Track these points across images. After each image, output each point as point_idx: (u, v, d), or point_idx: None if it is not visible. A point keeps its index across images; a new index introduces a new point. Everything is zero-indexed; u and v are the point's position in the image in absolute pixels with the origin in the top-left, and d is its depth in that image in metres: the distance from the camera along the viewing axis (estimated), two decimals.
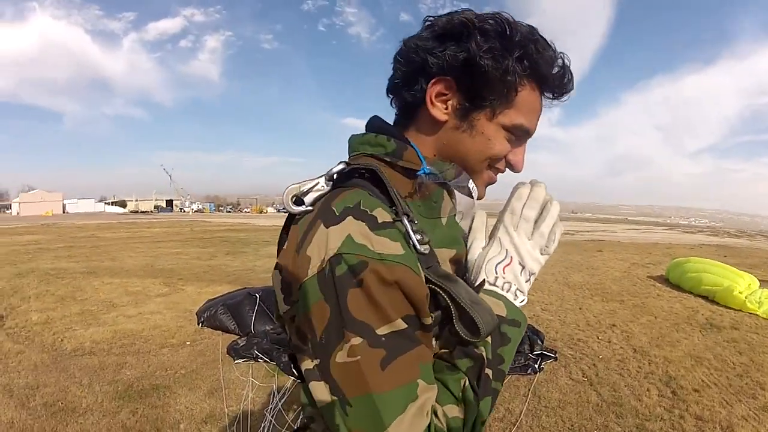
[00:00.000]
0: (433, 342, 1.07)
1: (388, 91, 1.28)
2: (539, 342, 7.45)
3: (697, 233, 53.80)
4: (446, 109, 1.18)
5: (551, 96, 1.23)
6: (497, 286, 1.17)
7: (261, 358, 6.89)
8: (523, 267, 1.19)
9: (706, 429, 5.18)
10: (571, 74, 1.22)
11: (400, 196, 1.09)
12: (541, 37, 1.16)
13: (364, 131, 1.29)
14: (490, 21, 1.12)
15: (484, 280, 1.18)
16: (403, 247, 0.97)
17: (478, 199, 1.31)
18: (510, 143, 1.22)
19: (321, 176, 1.10)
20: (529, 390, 6.13)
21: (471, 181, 1.26)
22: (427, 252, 1.03)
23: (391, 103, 1.30)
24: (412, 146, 1.20)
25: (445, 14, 1.17)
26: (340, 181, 1.11)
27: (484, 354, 1.04)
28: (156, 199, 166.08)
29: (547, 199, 1.22)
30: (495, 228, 1.25)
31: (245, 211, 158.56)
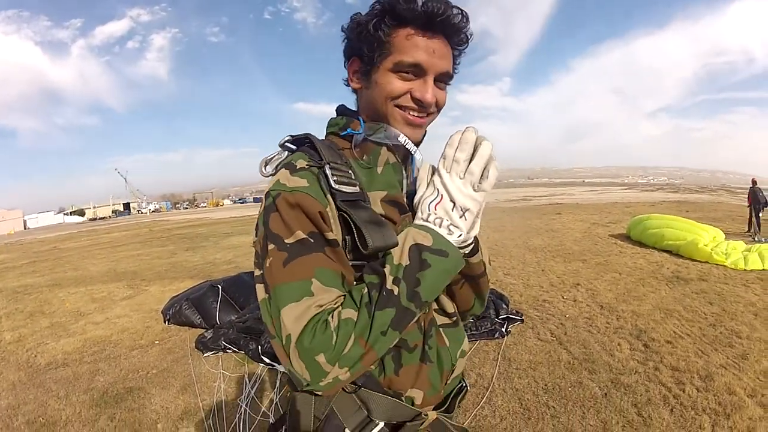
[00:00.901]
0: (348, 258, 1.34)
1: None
2: (504, 306, 7.32)
3: (657, 191, 54.90)
4: (358, 79, 1.49)
5: (422, 24, 1.35)
6: (429, 222, 1.33)
7: (229, 349, 6.78)
8: (454, 203, 1.32)
9: (683, 379, 5.05)
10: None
11: (341, 154, 1.43)
12: None
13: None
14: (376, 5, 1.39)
15: (415, 216, 1.39)
16: (308, 182, 1.29)
17: (415, 144, 1.48)
18: (407, 81, 1.39)
19: (278, 145, 1.48)
20: (498, 354, 5.96)
21: (401, 135, 1.44)
22: (350, 190, 1.33)
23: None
24: (357, 119, 1.49)
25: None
26: (296, 149, 1.46)
27: (387, 272, 1.25)
28: (113, 204, 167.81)
29: (478, 141, 1.32)
30: (432, 173, 1.42)
31: (202, 206, 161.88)
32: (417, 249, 1.27)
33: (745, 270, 10.18)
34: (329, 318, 1.20)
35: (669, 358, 5.57)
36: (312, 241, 1.26)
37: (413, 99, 1.40)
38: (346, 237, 1.34)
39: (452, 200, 1.32)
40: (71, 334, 8.60)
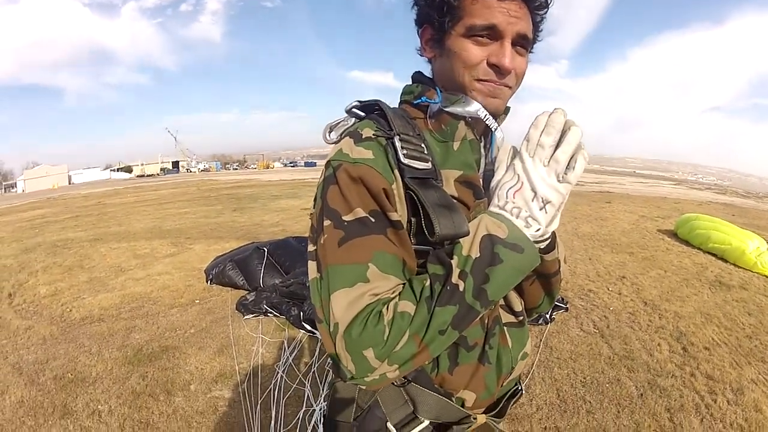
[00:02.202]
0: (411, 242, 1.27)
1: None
2: None
3: (705, 190, 53.59)
4: (431, 48, 1.42)
5: None
6: (505, 210, 1.22)
7: (270, 313, 6.81)
8: (535, 193, 1.20)
9: (716, 389, 5.07)
10: None
11: (414, 125, 1.36)
12: None
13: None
14: None
15: (491, 202, 1.28)
16: (374, 154, 1.22)
17: (495, 117, 1.35)
18: (483, 47, 1.29)
19: (344, 111, 1.42)
20: (540, 341, 6.07)
21: (481, 109, 1.32)
22: (421, 167, 1.25)
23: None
24: (434, 88, 1.40)
25: None
26: (365, 116, 1.39)
27: (454, 264, 1.15)
28: (162, 162, 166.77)
29: (567, 126, 1.20)
30: (513, 156, 1.30)
31: (252, 167, 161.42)
32: (490, 240, 1.16)
33: None
34: (384, 309, 1.12)
35: (705, 366, 5.58)
36: (373, 220, 1.18)
37: (490, 65, 1.29)
38: (412, 219, 1.26)
39: (533, 189, 1.20)
40: (110, 290, 8.64)
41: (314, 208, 1.27)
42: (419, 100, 1.40)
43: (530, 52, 1.39)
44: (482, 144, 1.48)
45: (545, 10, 1.35)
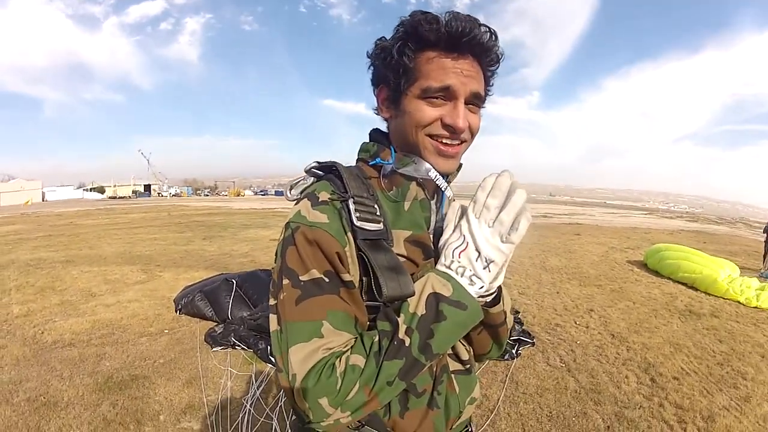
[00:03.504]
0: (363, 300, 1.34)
1: None
2: (517, 326, 7.45)
3: (676, 218, 54.49)
4: (387, 108, 1.47)
5: (446, 45, 1.32)
6: (451, 269, 1.30)
7: (238, 346, 6.82)
8: (479, 253, 1.28)
9: (686, 418, 5.16)
10: (458, 16, 1.31)
11: (368, 185, 1.41)
12: (423, 11, 1.34)
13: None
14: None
15: (438, 261, 1.35)
16: (329, 218, 1.28)
17: (447, 175, 1.44)
18: (437, 107, 1.34)
19: (303, 171, 1.48)
20: (506, 376, 6.09)
21: (432, 170, 1.39)
22: (373, 228, 1.31)
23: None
24: (389, 148, 1.47)
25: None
26: (321, 176, 1.45)
27: (401, 321, 1.25)
28: (134, 184, 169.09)
29: (512, 188, 1.25)
30: (461, 215, 1.36)
31: (223, 194, 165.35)
32: (435, 299, 1.25)
33: (756, 308, 10.29)
34: (337, 362, 1.21)
35: (674, 395, 5.67)
36: (327, 281, 1.26)
37: (444, 126, 1.35)
38: (364, 278, 1.33)
39: (477, 250, 1.27)
40: (81, 314, 8.69)
41: (275, 263, 1.34)
42: (374, 161, 1.46)
43: (482, 107, 1.46)
44: (433, 201, 1.54)
45: (497, 65, 1.43)
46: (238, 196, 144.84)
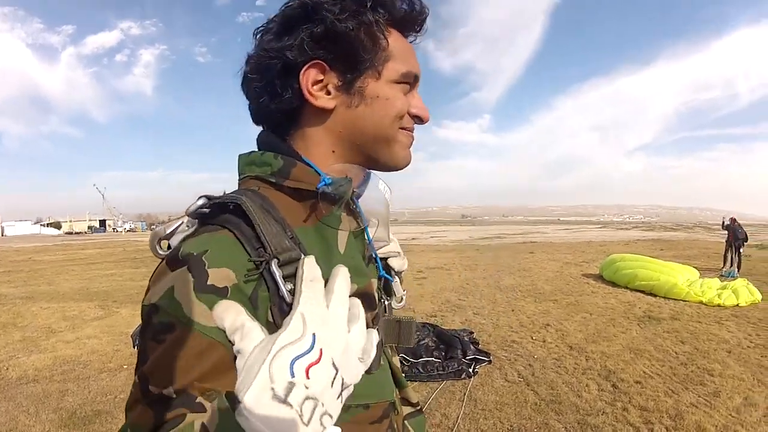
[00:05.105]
0: None
1: (258, 117, 1.16)
2: (472, 346, 7.49)
3: (632, 229, 55.41)
4: (328, 93, 1.06)
5: (415, 31, 1.15)
6: None
7: None
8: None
9: (652, 419, 5.25)
10: (419, 2, 1.12)
11: (283, 223, 0.97)
12: None
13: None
14: None
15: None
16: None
17: (400, 168, 1.17)
18: (405, 95, 1.11)
19: (183, 215, 0.95)
20: (464, 394, 6.10)
21: (380, 183, 1.14)
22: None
23: (266, 129, 1.15)
24: (303, 161, 1.06)
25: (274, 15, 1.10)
26: (211, 216, 0.96)
27: None
28: (89, 220, 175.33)
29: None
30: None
31: None
32: None
33: (719, 306, 10.65)
34: None
35: (638, 398, 5.77)
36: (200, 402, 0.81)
37: (412, 116, 1.14)
38: None
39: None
40: (42, 351, 8.92)
41: (137, 342, 0.98)
42: (322, 183, 1.01)
43: None
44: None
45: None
46: None
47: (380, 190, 1.13)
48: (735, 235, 17.52)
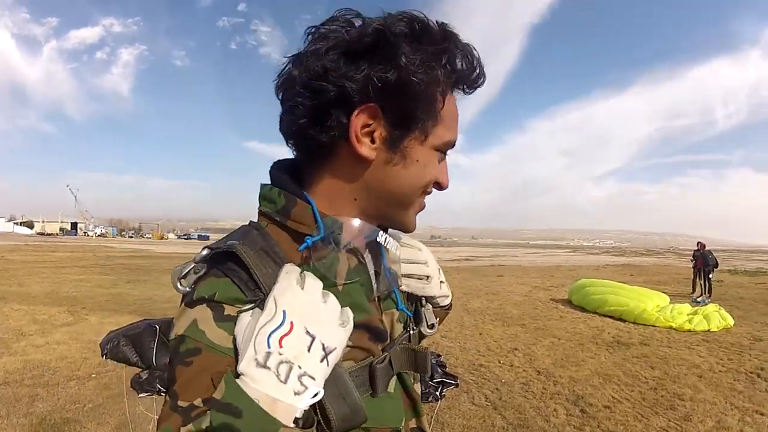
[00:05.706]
0: None
1: (290, 134, 1.08)
2: (439, 369, 7.48)
3: (602, 254, 55.78)
4: (373, 142, 1.00)
5: (465, 93, 1.09)
6: None
7: (163, 392, 6.71)
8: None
9: None
10: (482, 65, 1.07)
11: (284, 263, 0.98)
12: (453, 31, 1.02)
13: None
14: (404, 23, 0.97)
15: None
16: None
17: (408, 232, 1.18)
18: (439, 163, 1.09)
19: (192, 260, 1.01)
20: (431, 417, 6.07)
21: (380, 233, 1.10)
22: None
23: (289, 145, 1.11)
24: (307, 201, 1.04)
25: (337, 21, 1.01)
26: (217, 261, 1.00)
27: None
28: (62, 222, 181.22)
29: None
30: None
31: (146, 237, 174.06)
32: None
33: (690, 331, 10.77)
34: None
35: (606, 423, 5.78)
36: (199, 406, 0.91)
37: (435, 184, 1.11)
38: None
39: None
40: (13, 353, 9.12)
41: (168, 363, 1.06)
42: (304, 245, 1.02)
43: None
44: (366, 253, 1.15)
45: None
46: (162, 239, 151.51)
47: (380, 243, 1.12)
48: (705, 261, 17.69)
